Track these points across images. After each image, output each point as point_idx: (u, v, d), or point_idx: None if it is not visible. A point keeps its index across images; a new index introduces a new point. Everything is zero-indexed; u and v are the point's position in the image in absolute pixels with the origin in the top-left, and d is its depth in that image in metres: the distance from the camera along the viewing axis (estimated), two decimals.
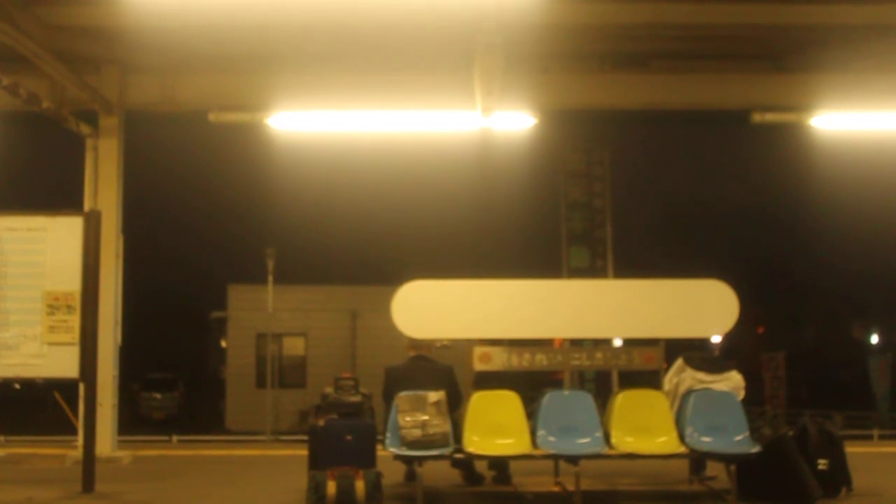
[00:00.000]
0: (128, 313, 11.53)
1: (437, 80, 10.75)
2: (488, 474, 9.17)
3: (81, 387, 10.78)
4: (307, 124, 10.95)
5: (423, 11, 8.75)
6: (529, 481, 9.07)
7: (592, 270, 22.62)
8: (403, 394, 8.26)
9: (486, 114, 9.14)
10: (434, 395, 8.16)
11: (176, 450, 13.76)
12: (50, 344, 8.67)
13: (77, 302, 8.66)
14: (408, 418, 8.10)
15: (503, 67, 8.56)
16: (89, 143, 10.98)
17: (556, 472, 8.88)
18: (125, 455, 10.93)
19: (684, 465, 8.94)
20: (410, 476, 8.85)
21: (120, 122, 10.98)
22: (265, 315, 26.41)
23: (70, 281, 8.67)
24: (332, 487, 7.67)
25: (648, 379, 8.78)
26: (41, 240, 8.78)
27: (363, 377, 28.22)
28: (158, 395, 31.10)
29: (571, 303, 8.69)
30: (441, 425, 8.07)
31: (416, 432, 8.05)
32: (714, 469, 8.91)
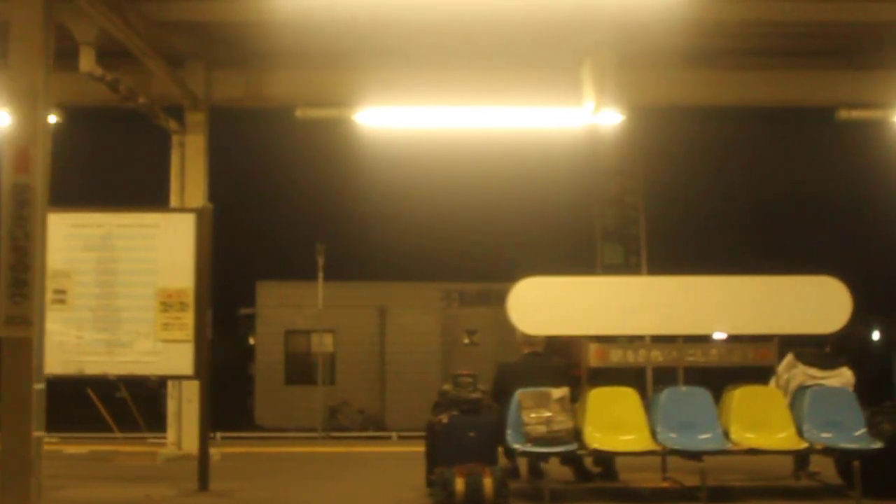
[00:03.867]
0: None
1: (522, 75, 10.74)
2: (594, 470, 9.17)
3: (172, 385, 10.83)
4: (394, 120, 10.91)
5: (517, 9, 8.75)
6: (635, 477, 9.08)
7: (626, 267, 22.68)
8: (526, 390, 8.23)
9: (597, 111, 9.12)
10: (558, 392, 8.16)
11: (251, 447, 13.68)
12: (163, 341, 8.63)
13: (190, 299, 8.62)
14: (532, 415, 8.09)
15: (616, 64, 8.56)
16: (175, 139, 10.93)
17: (664, 469, 8.89)
18: (214, 452, 10.86)
19: (781, 460, 8.96)
20: (514, 473, 8.82)
21: (206, 118, 10.92)
22: (295, 311, 26.33)
23: (183, 278, 8.63)
24: (460, 484, 7.65)
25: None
26: (153, 236, 8.75)
27: (392, 373, 28.24)
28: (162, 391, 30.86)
29: (685, 299, 8.69)
30: (566, 422, 8.07)
31: (541, 429, 8.04)
32: (816, 465, 8.95)
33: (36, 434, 6.59)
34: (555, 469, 8.84)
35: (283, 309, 26.35)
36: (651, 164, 19.65)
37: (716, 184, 28.28)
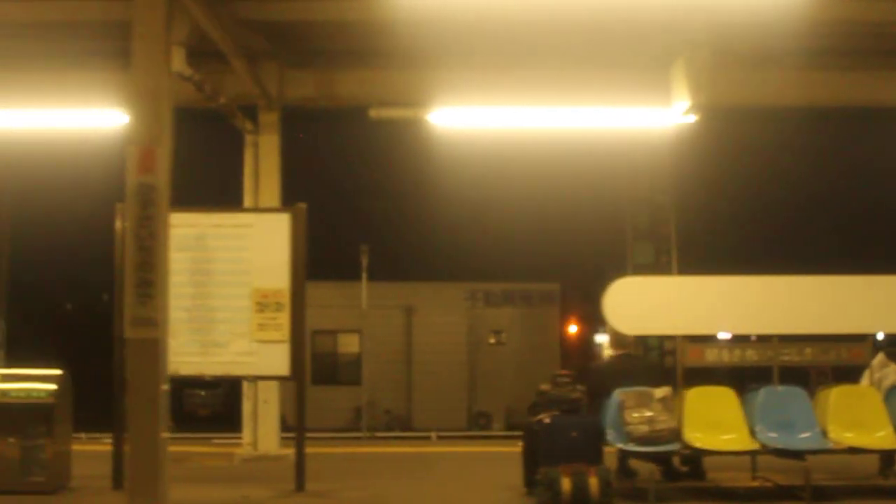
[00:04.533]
0: None
1: (591, 76, 10.72)
2: (682, 469, 9.17)
3: (247, 386, 10.78)
4: (467, 121, 10.92)
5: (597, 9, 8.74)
6: (722, 476, 9.09)
7: (656, 266, 22.74)
8: (627, 390, 8.24)
9: (691, 111, 9.12)
10: (660, 392, 8.17)
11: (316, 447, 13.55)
12: (259, 342, 8.60)
13: (286, 299, 8.61)
14: (634, 414, 8.10)
15: (711, 64, 8.56)
16: (249, 138, 10.91)
17: (754, 468, 8.90)
18: (290, 453, 10.83)
19: (862, 459, 8.97)
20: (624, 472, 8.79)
21: (279, 118, 10.90)
22: (322, 311, 26.26)
23: (278, 278, 8.61)
24: (566, 484, 7.64)
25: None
26: (246, 236, 8.72)
27: (419, 373, 28.15)
28: (203, 392, 30.82)
29: (781, 298, 8.72)
30: (668, 421, 8.09)
31: (643, 428, 8.05)
32: None
33: (162, 435, 6.57)
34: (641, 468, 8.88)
35: (311, 309, 26.30)
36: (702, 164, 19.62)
37: (774, 184, 28.08)
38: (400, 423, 25.46)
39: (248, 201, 10.85)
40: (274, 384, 10.71)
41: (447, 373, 25.92)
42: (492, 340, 26.07)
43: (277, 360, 8.60)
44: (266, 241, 8.65)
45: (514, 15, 9.34)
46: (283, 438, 10.58)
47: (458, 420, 24.55)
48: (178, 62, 9.08)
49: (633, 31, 9.37)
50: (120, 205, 8.03)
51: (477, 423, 25.33)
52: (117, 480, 8.57)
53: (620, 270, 22.59)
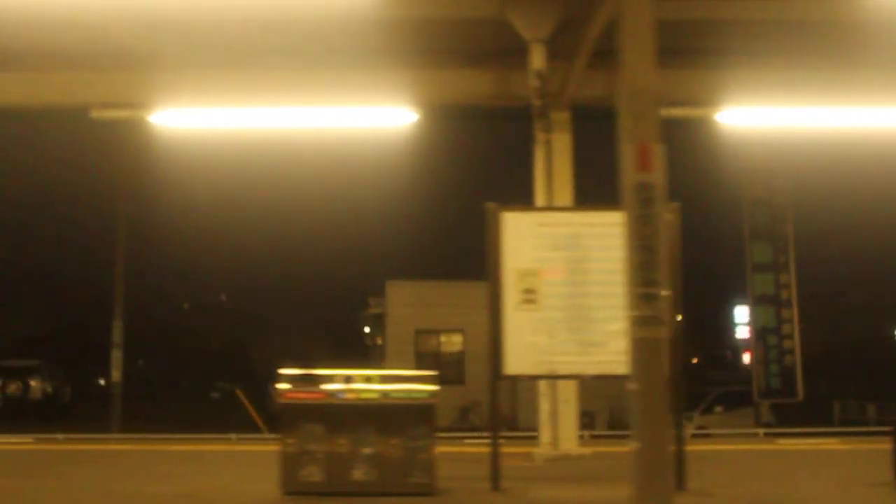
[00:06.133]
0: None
1: None
2: None
3: (545, 384, 10.73)
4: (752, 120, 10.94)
5: None
6: None
7: (775, 266, 22.92)
8: None
9: None
10: None
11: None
12: None
13: None
14: None
15: None
16: (541, 137, 10.87)
17: None
18: (589, 452, 10.83)
19: None
20: None
21: (570, 117, 10.88)
22: (424, 311, 26.31)
23: None
24: None
25: None
26: (620, 235, 8.67)
27: None
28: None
29: None
30: None
31: None
32: None
33: (667, 434, 6.55)
34: None
35: (414, 308, 26.34)
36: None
37: None
38: (506, 423, 25.49)
39: (540, 200, 10.81)
40: (573, 383, 10.70)
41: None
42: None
43: None
44: None
45: None
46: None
47: None
48: (539, 60, 9.08)
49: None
50: None
51: (580, 422, 25.41)
52: (495, 482, 8.55)
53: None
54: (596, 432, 22.66)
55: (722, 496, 8.44)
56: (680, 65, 10.95)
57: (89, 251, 39.65)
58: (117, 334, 23.59)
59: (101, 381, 39.44)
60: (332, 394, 8.51)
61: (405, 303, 26.36)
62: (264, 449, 13.25)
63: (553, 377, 9.52)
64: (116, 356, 23.59)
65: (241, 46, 10.65)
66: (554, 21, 8.72)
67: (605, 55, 10.75)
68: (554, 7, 8.53)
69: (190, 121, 11.13)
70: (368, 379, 8.59)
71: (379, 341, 27.78)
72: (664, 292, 6.62)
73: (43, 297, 45.81)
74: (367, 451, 8.38)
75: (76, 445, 13.73)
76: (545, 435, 10.81)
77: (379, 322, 27.13)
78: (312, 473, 8.40)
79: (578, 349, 8.61)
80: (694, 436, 23.11)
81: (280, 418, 8.56)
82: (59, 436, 14.44)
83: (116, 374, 23.53)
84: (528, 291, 8.62)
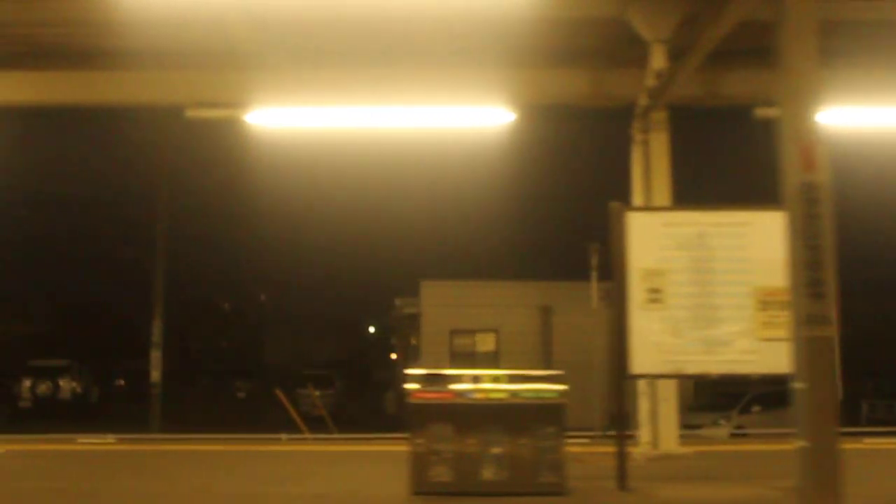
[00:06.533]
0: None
1: None
2: None
3: (645, 383, 10.75)
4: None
5: None
6: None
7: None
8: None
9: None
10: None
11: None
12: (763, 340, 8.60)
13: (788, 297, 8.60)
14: None
15: None
16: (638, 137, 10.88)
17: None
18: (690, 451, 10.84)
19: None
20: None
21: (667, 117, 10.89)
22: (460, 311, 26.27)
23: (779, 276, 8.57)
24: None
25: None
26: (745, 234, 8.72)
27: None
28: (317, 392, 30.63)
29: None
30: None
31: None
32: None
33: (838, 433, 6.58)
34: None
35: (448, 308, 26.31)
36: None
37: None
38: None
39: (637, 200, 10.82)
40: (672, 383, 10.72)
41: (587, 372, 26.05)
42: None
43: (781, 358, 8.57)
44: (765, 239, 8.65)
45: None
46: None
47: (594, 421, 24.70)
48: (659, 60, 9.09)
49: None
50: None
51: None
52: (622, 482, 8.56)
53: None
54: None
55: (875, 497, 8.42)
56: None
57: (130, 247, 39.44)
58: (157, 334, 23.53)
59: (121, 382, 39.36)
60: (460, 394, 8.51)
61: (440, 303, 26.32)
62: (336, 449, 13.26)
63: (680, 377, 9.52)
64: (156, 356, 23.53)
65: (337, 46, 10.64)
66: (675, 21, 8.72)
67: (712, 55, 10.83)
68: (678, 7, 8.52)
69: (283, 120, 11.10)
70: (497, 379, 8.60)
71: (413, 341, 27.73)
72: (831, 291, 6.64)
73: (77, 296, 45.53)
74: (496, 451, 8.38)
75: (154, 446, 13.66)
76: (645, 434, 10.81)
77: (413, 322, 27.07)
78: (441, 473, 8.40)
79: (704, 348, 8.63)
80: (733, 435, 23.20)
81: (409, 418, 8.56)
82: (110, 436, 14.36)
83: (156, 374, 23.46)
84: (654, 291, 8.64)
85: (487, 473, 8.37)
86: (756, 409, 24.75)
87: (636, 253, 8.66)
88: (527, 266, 28.81)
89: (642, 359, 8.63)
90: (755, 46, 10.61)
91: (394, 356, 57.40)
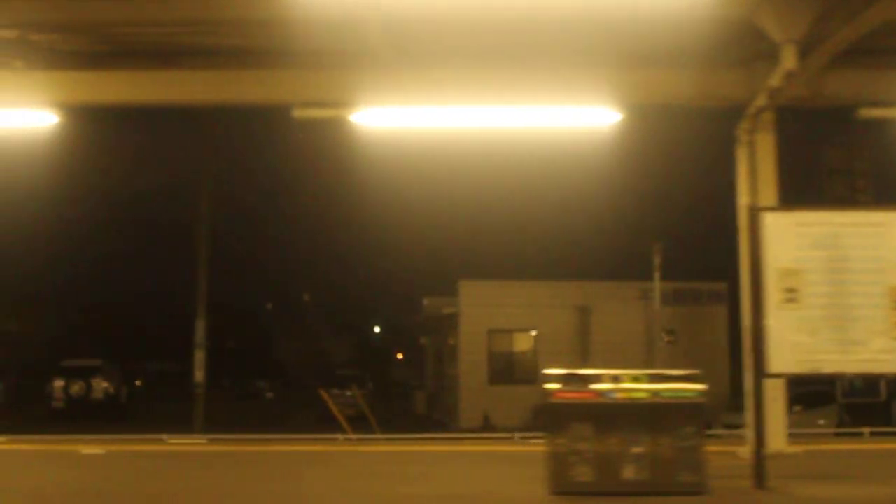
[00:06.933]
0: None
1: None
2: None
3: (769, 383, 10.76)
4: None
5: None
6: None
7: None
8: None
9: None
10: None
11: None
12: None
13: None
14: None
15: None
16: (744, 137, 10.89)
17: None
18: (800, 450, 10.87)
19: None
20: None
21: (774, 117, 10.92)
22: (498, 311, 26.28)
23: None
24: None
25: None
26: (880, 235, 8.76)
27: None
28: (348, 392, 30.58)
29: None
30: None
31: None
32: None
33: None
34: None
35: (487, 308, 26.34)
36: None
37: None
38: (482, 424, 25.36)
39: (743, 200, 10.84)
40: (780, 382, 10.74)
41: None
42: (666, 339, 26.16)
43: None
44: None
45: None
46: None
47: None
48: (790, 61, 9.11)
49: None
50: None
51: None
52: (759, 480, 8.60)
53: None
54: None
55: None
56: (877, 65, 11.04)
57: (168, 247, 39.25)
58: (200, 334, 23.47)
59: (137, 383, 39.22)
60: (602, 393, 8.53)
61: (478, 303, 26.35)
62: (408, 449, 13.21)
63: (818, 375, 9.55)
64: (199, 356, 23.47)
65: (443, 46, 10.63)
66: (808, 21, 8.75)
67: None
68: (811, 7, 8.54)
69: (388, 120, 11.09)
70: (637, 378, 8.61)
71: (451, 341, 27.74)
72: None
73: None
74: (636, 450, 8.40)
75: (244, 447, 13.49)
76: (752, 434, 10.82)
77: (451, 322, 27.08)
78: (582, 473, 8.42)
79: (840, 347, 8.66)
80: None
81: (548, 418, 8.58)
82: (164, 436, 14.27)
83: (199, 374, 23.41)
84: (790, 290, 8.66)
85: (628, 473, 8.39)
86: (797, 408, 24.81)
87: (772, 253, 8.69)
88: (564, 265, 28.76)
89: (780, 358, 8.66)
90: (864, 47, 10.73)
91: (399, 356, 57.42)
